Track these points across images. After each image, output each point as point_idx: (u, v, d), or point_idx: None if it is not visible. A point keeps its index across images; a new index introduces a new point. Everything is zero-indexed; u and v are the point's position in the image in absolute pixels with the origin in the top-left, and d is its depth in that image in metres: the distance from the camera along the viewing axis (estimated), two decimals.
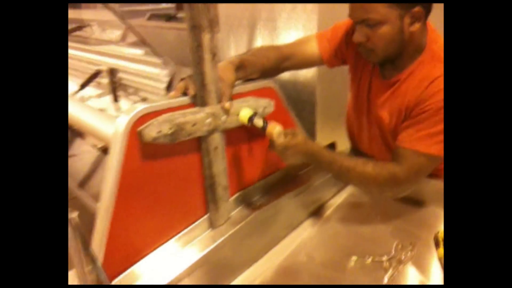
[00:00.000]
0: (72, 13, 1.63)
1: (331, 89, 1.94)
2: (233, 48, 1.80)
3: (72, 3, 1.74)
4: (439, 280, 0.85)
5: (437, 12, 0.94)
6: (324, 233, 1.03)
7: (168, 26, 1.79)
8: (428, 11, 0.91)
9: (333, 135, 1.55)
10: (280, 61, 1.06)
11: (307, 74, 2.11)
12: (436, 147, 0.92)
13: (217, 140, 0.84)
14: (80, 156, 2.16)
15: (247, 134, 0.95)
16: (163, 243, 0.86)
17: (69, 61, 1.35)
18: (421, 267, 0.89)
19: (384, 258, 0.91)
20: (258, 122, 0.87)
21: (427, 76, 0.94)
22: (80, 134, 2.27)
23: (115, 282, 0.79)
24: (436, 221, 1.02)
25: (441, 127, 0.91)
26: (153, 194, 0.81)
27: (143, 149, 0.76)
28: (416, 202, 1.12)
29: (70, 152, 2.21)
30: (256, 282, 0.90)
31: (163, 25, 1.25)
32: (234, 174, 0.94)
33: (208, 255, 0.86)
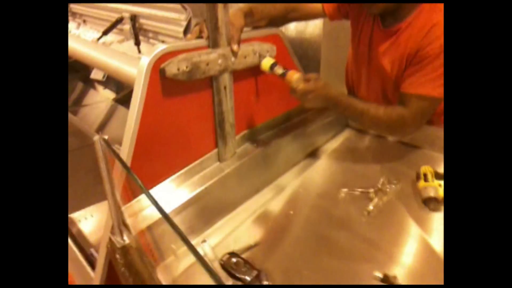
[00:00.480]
0: None
1: (336, 47, 2.02)
2: None
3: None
4: (418, 209, 0.98)
5: None
6: (320, 170, 1.16)
7: None
8: None
9: None
10: (286, 11, 1.15)
11: (313, 31, 2.18)
12: (438, 90, 1.02)
13: (226, 80, 0.94)
14: (94, 106, 2.29)
15: (253, 79, 1.05)
16: (178, 172, 0.98)
17: (88, 10, 1.44)
18: (403, 198, 1.02)
19: (371, 190, 1.04)
20: (278, 70, 0.98)
21: (426, 23, 1.01)
22: (93, 85, 2.39)
23: (135, 201, 0.90)
24: (424, 162, 1.12)
25: (441, 71, 1.00)
26: (171, 126, 0.92)
27: (164, 85, 0.86)
28: (409, 146, 1.23)
29: (84, 102, 2.33)
30: (258, 210, 1.03)
31: None
32: (241, 114, 1.04)
33: (215, 184, 0.98)
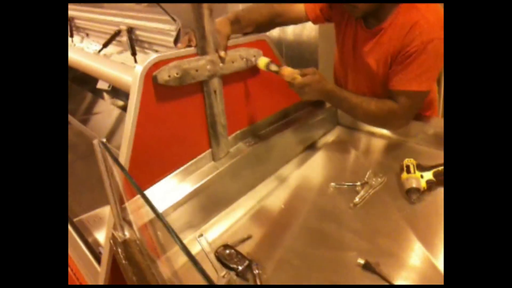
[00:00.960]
0: None
1: (332, 49, 2.07)
2: None
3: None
4: (402, 199, 1.03)
5: None
6: (311, 166, 1.22)
7: None
8: None
9: None
10: (272, 17, 1.21)
11: (310, 34, 2.24)
12: (425, 84, 1.09)
13: (215, 84, 1.01)
14: (102, 115, 2.38)
15: (243, 81, 1.11)
16: (173, 172, 1.05)
17: (91, 24, 1.53)
18: (388, 190, 1.07)
19: (358, 183, 1.09)
20: (273, 67, 1.06)
21: (406, 22, 1.07)
22: (101, 95, 2.49)
23: (133, 200, 0.96)
24: (409, 155, 1.15)
25: (426, 66, 1.06)
26: (166, 129, 0.99)
27: (157, 91, 0.93)
28: (394, 140, 1.28)
29: (94, 110, 2.43)
30: (252, 206, 1.09)
31: None
32: (233, 115, 1.11)
33: (210, 181, 1.05)
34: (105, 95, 2.44)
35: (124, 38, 1.26)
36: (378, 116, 1.14)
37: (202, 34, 0.94)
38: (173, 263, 0.98)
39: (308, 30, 2.22)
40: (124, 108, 2.21)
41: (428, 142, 1.23)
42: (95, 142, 0.84)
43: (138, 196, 0.98)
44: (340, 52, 1.30)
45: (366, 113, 1.14)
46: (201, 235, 1.02)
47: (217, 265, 0.93)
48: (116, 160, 0.80)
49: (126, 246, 0.93)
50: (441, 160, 1.04)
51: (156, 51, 1.20)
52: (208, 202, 1.06)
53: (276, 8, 1.24)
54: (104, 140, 0.85)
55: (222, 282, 0.88)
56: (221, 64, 0.99)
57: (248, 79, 1.12)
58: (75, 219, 1.48)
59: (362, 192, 1.05)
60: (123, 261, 0.91)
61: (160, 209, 0.97)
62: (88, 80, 2.40)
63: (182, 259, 0.98)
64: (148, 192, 1.00)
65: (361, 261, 0.85)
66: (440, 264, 0.83)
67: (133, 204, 0.97)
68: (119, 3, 1.31)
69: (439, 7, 1.05)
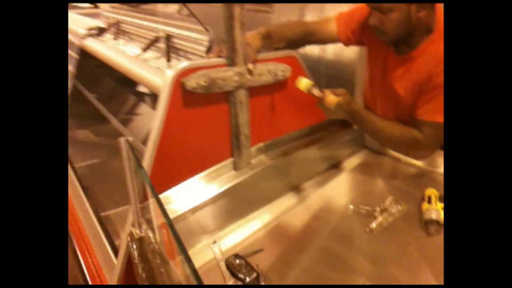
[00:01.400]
0: None
1: None
2: None
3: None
4: (420, 230, 0.99)
5: None
6: (332, 186, 1.21)
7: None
8: None
9: None
10: (305, 35, 1.23)
11: (350, 55, 2.23)
12: None
13: (242, 95, 1.03)
14: (143, 116, 2.48)
15: (270, 95, 1.13)
16: (194, 176, 1.07)
17: (136, 29, 1.62)
18: (408, 219, 1.04)
19: (377, 209, 1.07)
20: (316, 91, 1.08)
21: (437, 53, 1.06)
22: (143, 98, 2.59)
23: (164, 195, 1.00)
24: (433, 185, 1.13)
25: None
26: (190, 134, 1.02)
27: (184, 96, 0.97)
28: (422, 169, 1.25)
29: (135, 112, 2.53)
30: (267, 219, 1.10)
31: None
32: (257, 127, 1.12)
33: (229, 190, 1.06)
34: (147, 98, 2.54)
35: (162, 44, 1.32)
36: (401, 143, 1.13)
37: (232, 46, 0.97)
38: (186, 266, 1.00)
39: (349, 51, 2.21)
40: None
41: None
42: (122, 140, 0.88)
43: (160, 196, 1.01)
44: (371, 76, 1.29)
45: (389, 138, 1.13)
46: (215, 242, 1.03)
47: (226, 273, 0.94)
48: (137, 160, 0.84)
49: (141, 243, 0.96)
50: None
51: (190, 59, 1.25)
52: (226, 210, 1.08)
53: (309, 27, 1.25)
54: (130, 139, 0.89)
55: None
56: (248, 76, 1.02)
57: (275, 93, 1.13)
58: (102, 214, 1.55)
59: (380, 218, 1.03)
60: (136, 257, 0.95)
61: (179, 211, 0.99)
62: (133, 83, 2.51)
63: (195, 263, 0.99)
64: (168, 193, 1.03)
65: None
66: None
67: (155, 203, 1.00)
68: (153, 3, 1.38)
69: None
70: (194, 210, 1.01)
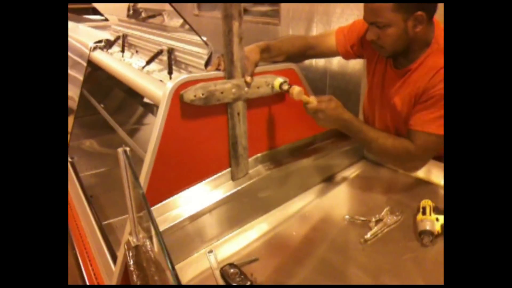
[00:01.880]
0: (153, 4, 1.93)
1: None
2: None
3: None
4: (414, 241, 1.00)
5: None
6: (329, 196, 1.22)
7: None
8: (431, 14, 1.05)
9: None
10: (304, 49, 1.25)
11: (355, 66, 2.26)
12: (442, 129, 1.07)
13: (240, 107, 1.06)
14: (150, 126, 2.52)
15: (268, 106, 1.15)
16: (193, 185, 1.09)
17: (142, 42, 1.67)
18: (403, 229, 1.04)
19: (372, 219, 1.07)
20: (285, 86, 1.08)
21: (433, 66, 1.08)
22: (151, 109, 2.63)
23: (153, 208, 1.03)
24: (430, 196, 1.12)
25: None
26: (188, 145, 1.04)
27: (183, 108, 0.99)
28: (420, 180, 1.25)
29: (143, 121, 2.57)
30: (264, 228, 1.11)
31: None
32: (255, 138, 1.14)
33: (226, 199, 1.08)
34: (155, 109, 2.58)
35: (165, 57, 1.37)
36: (392, 153, 1.13)
37: (230, 59, 1.00)
38: (183, 275, 1.02)
39: (354, 62, 2.23)
40: None
41: None
42: (120, 150, 0.91)
43: (159, 204, 1.04)
44: (369, 88, 1.31)
45: (381, 149, 1.14)
46: (211, 251, 1.05)
47: (221, 282, 0.95)
48: (133, 171, 0.86)
49: (137, 251, 0.98)
50: None
51: (191, 72, 1.29)
52: (223, 220, 1.10)
53: (309, 41, 1.28)
54: (128, 149, 0.92)
55: None
56: (246, 89, 1.04)
57: (274, 105, 1.16)
58: (105, 222, 1.57)
59: (375, 229, 1.04)
60: (131, 265, 0.96)
61: (177, 219, 1.01)
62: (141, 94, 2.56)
63: (192, 272, 1.01)
64: (167, 202, 1.05)
65: None
66: None
67: (154, 212, 1.01)
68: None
69: None
70: (192, 218, 1.03)
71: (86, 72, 1.93)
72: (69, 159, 2.01)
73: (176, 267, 1.04)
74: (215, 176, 1.11)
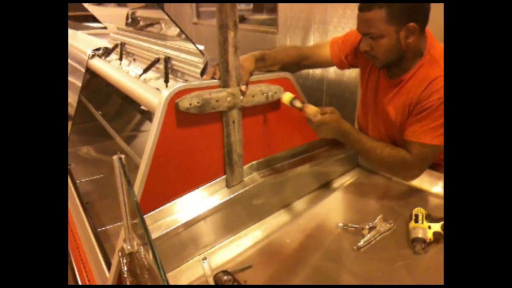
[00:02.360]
0: (151, 13, 1.95)
1: None
2: None
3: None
4: (407, 249, 1.00)
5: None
6: (323, 204, 1.24)
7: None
8: (423, 25, 1.07)
9: None
10: (299, 59, 1.27)
11: (351, 74, 2.28)
12: (438, 139, 1.09)
13: (234, 115, 1.07)
14: (147, 134, 2.52)
15: (263, 115, 1.16)
16: (188, 192, 1.10)
17: (139, 50, 1.69)
18: (395, 237, 1.05)
19: (366, 227, 1.08)
20: (297, 103, 1.10)
21: (426, 77, 1.09)
22: (149, 117, 2.64)
23: (148, 215, 1.04)
24: (423, 204, 1.14)
25: (441, 121, 1.07)
26: (183, 152, 1.05)
27: (178, 116, 1.00)
28: (413, 188, 1.27)
29: (141, 129, 2.57)
30: (258, 235, 1.12)
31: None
32: (250, 146, 1.15)
33: (221, 206, 1.09)
34: (153, 116, 2.59)
35: (162, 66, 1.38)
36: (389, 163, 1.15)
37: (225, 68, 1.01)
38: (176, 282, 1.02)
39: (349, 70, 2.26)
40: None
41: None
42: (114, 157, 0.92)
43: (154, 211, 1.05)
44: (363, 98, 1.32)
45: (378, 159, 1.16)
46: (205, 258, 1.05)
47: None
48: (127, 179, 0.87)
49: (131, 258, 0.98)
50: None
51: (187, 80, 1.30)
52: (218, 227, 1.10)
53: (303, 51, 1.30)
54: (123, 156, 0.93)
55: None
56: (241, 97, 1.05)
57: (268, 113, 1.17)
58: (99, 229, 1.58)
59: (368, 236, 1.05)
60: (125, 272, 0.97)
61: (172, 226, 1.02)
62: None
63: (185, 279, 1.02)
64: (161, 208, 1.05)
65: None
66: None
67: (149, 219, 1.03)
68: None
69: None
70: (186, 225, 1.04)
71: (84, 79, 1.95)
72: None
73: (170, 274, 1.05)
74: (210, 183, 1.12)
